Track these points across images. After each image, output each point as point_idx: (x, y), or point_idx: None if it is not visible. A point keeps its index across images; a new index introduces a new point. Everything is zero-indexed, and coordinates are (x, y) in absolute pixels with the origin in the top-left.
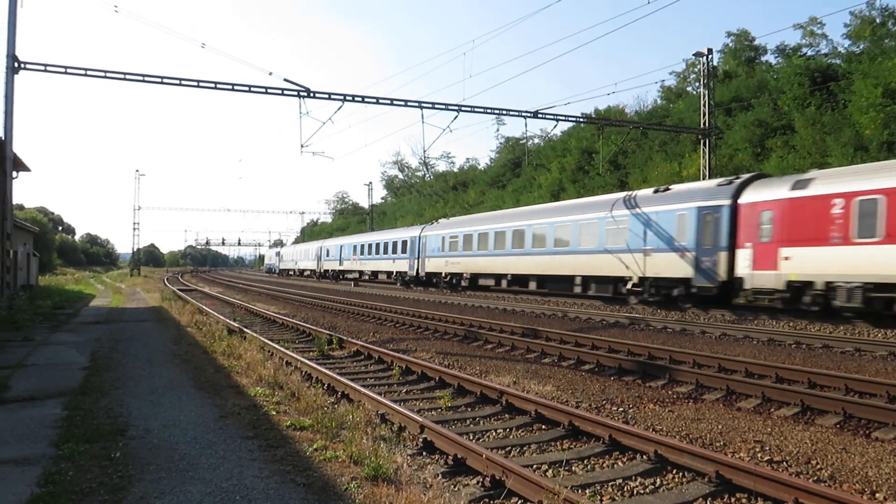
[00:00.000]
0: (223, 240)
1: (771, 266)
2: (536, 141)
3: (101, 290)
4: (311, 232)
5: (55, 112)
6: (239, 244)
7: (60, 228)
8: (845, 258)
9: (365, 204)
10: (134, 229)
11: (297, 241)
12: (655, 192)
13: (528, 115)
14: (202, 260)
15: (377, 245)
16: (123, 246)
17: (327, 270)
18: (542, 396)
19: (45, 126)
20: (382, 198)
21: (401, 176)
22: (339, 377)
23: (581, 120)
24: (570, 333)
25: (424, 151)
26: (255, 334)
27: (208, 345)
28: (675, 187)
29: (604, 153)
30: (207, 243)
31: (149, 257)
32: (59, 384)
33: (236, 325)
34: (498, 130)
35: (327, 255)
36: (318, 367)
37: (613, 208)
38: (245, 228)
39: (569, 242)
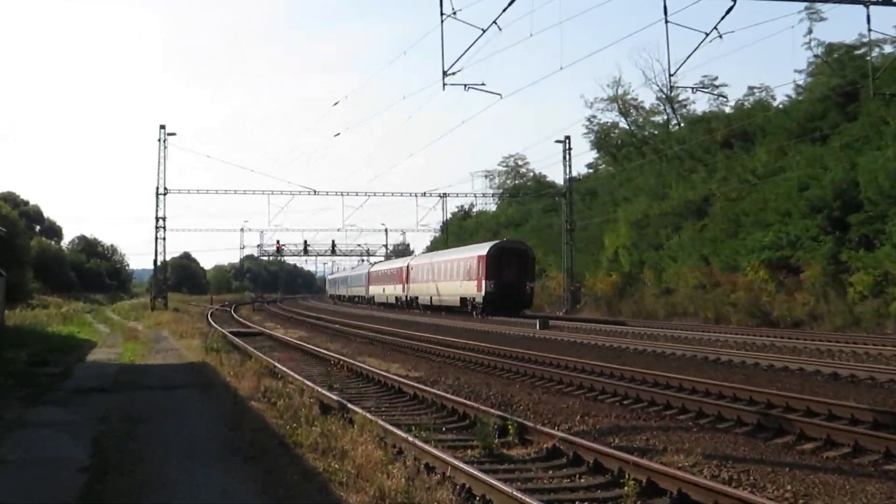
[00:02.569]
0: (305, 245)
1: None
2: (889, 50)
3: (104, 332)
4: (460, 229)
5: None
6: (333, 251)
7: (38, 229)
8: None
9: (556, 176)
10: (157, 229)
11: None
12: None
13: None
14: (269, 281)
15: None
16: (140, 259)
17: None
18: None
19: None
20: (591, 165)
21: (624, 124)
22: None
23: None
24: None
25: (669, 76)
26: (367, 414)
27: (288, 432)
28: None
29: None
30: (279, 251)
31: (181, 277)
32: (41, 501)
33: (335, 396)
34: (810, 34)
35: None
36: (488, 480)
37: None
38: (346, 225)
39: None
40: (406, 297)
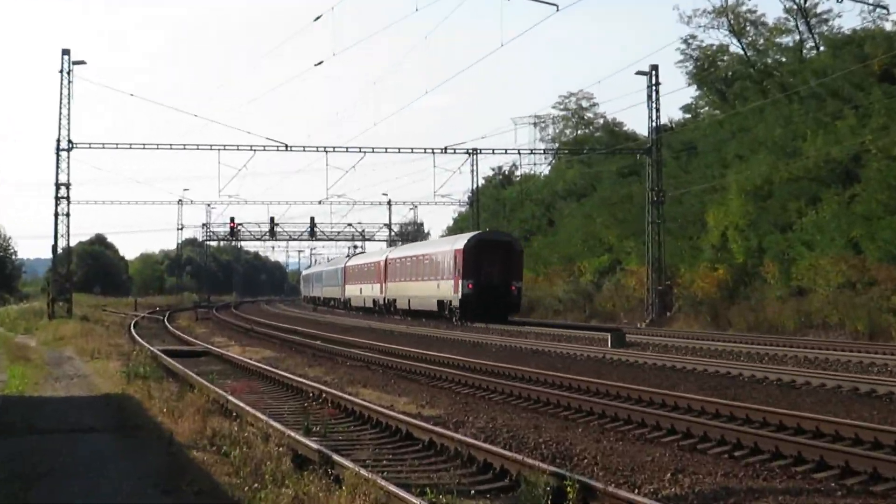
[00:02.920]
0: (272, 224)
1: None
2: None
3: None
4: (495, 202)
5: None
6: (312, 233)
7: None
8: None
9: (638, 124)
10: (58, 201)
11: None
12: None
13: None
14: (220, 277)
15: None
16: (33, 245)
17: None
18: None
19: None
20: (689, 108)
21: (737, 48)
22: None
23: None
24: None
25: None
26: (362, 470)
27: (248, 496)
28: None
29: None
30: (233, 233)
31: (92, 271)
32: None
33: (314, 444)
34: None
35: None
36: None
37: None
38: (332, 196)
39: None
40: (384, 299)
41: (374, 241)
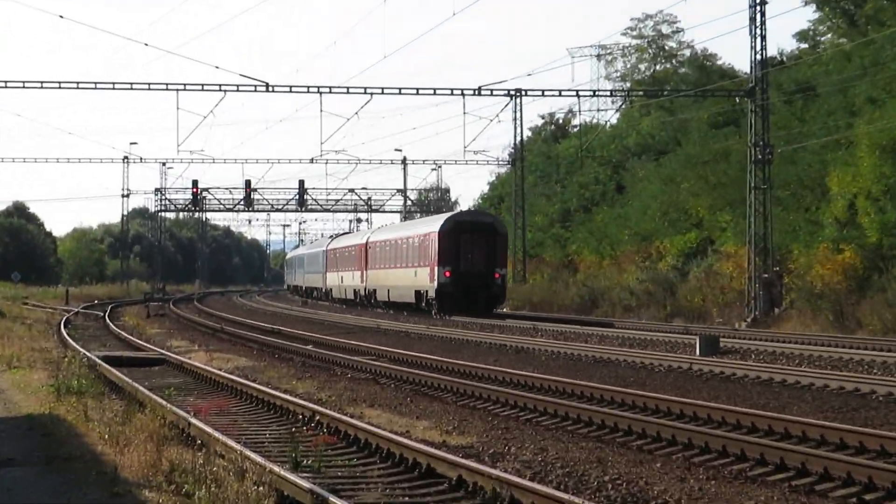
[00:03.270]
0: (248, 190)
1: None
2: None
3: None
4: (545, 160)
5: None
6: (301, 203)
7: None
8: None
9: (737, 58)
10: None
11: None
12: None
13: None
14: (179, 260)
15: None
16: None
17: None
18: None
19: None
20: (804, 35)
21: None
22: None
23: None
24: None
25: None
26: None
27: None
28: None
29: None
30: (196, 201)
31: (8, 252)
32: None
33: (306, 483)
34: None
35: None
36: None
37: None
38: (327, 153)
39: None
40: (364, 289)
41: (385, 212)
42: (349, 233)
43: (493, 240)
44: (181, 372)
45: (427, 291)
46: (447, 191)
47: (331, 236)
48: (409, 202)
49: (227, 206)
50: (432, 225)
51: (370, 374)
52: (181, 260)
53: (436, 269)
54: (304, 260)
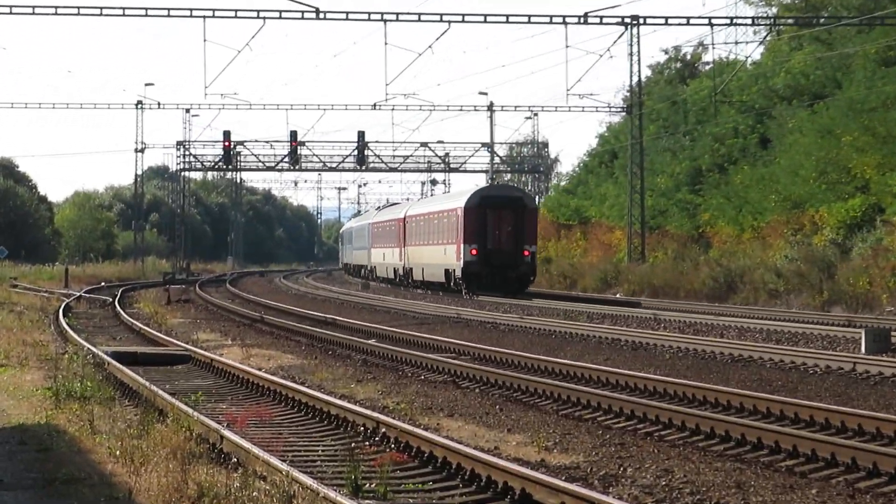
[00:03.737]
0: (294, 144)
1: None
2: None
3: None
4: (671, 106)
5: None
6: (360, 160)
7: None
8: None
9: None
10: None
11: None
12: None
13: None
14: (208, 233)
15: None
16: None
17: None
18: None
19: None
20: None
21: None
22: None
23: None
24: None
25: None
26: None
27: None
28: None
29: None
30: (228, 158)
31: None
32: None
33: None
34: None
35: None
36: None
37: None
38: (393, 98)
39: None
40: (403, 268)
41: (466, 172)
42: (396, 203)
43: (521, 215)
44: (211, 372)
45: (454, 270)
46: (545, 145)
47: (377, 207)
48: (496, 159)
49: (268, 165)
50: (458, 200)
51: (449, 375)
52: (210, 232)
53: (462, 247)
54: (352, 234)
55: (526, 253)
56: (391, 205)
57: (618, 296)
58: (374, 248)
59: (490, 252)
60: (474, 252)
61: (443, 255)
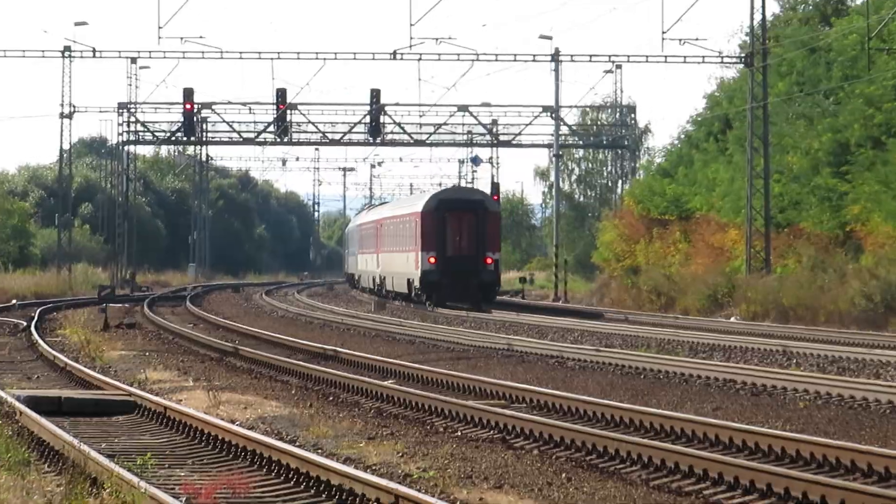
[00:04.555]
0: (279, 107)
1: None
2: None
3: None
4: (808, 50)
5: None
6: (376, 133)
7: None
8: None
9: None
10: None
11: None
12: None
13: None
14: (163, 229)
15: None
16: None
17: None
18: None
19: None
20: None
21: None
22: None
23: None
24: None
25: None
26: None
27: None
28: None
29: None
30: (190, 125)
31: None
32: None
33: None
34: None
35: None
36: None
37: None
38: (418, 44)
39: None
40: (380, 276)
41: (520, 146)
42: (416, 194)
43: (483, 220)
44: (164, 426)
45: (413, 280)
46: (631, 109)
47: (365, 206)
48: (563, 128)
49: (246, 136)
50: (417, 204)
51: (496, 430)
52: (164, 229)
53: (419, 254)
54: (359, 233)
55: (489, 260)
56: (382, 203)
57: (732, 320)
58: (360, 253)
59: (450, 260)
60: (432, 260)
61: (405, 264)
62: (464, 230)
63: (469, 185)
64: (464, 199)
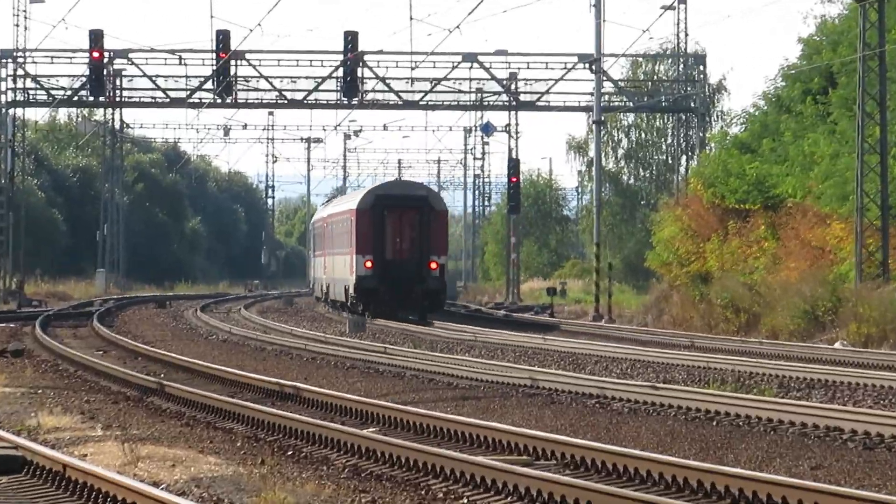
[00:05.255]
0: (219, 58)
1: None
2: None
3: None
4: None
5: None
6: (350, 93)
7: None
8: None
9: None
10: None
11: None
12: None
13: None
14: (61, 223)
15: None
16: None
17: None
18: None
19: None
20: None
21: None
22: None
23: None
24: None
25: None
26: None
27: None
28: None
29: None
30: (98, 82)
31: None
32: None
33: None
34: None
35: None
36: None
37: None
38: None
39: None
40: (326, 283)
41: (549, 108)
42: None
43: (426, 219)
44: (62, 490)
45: (349, 287)
46: (700, 58)
47: (335, 191)
48: (607, 85)
49: (175, 96)
50: (353, 200)
51: (514, 496)
52: (63, 222)
53: (354, 258)
54: (328, 228)
55: (434, 265)
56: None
57: (838, 346)
58: (316, 256)
59: (389, 264)
60: (369, 265)
61: (343, 268)
62: (405, 230)
63: (412, 180)
64: (405, 194)
